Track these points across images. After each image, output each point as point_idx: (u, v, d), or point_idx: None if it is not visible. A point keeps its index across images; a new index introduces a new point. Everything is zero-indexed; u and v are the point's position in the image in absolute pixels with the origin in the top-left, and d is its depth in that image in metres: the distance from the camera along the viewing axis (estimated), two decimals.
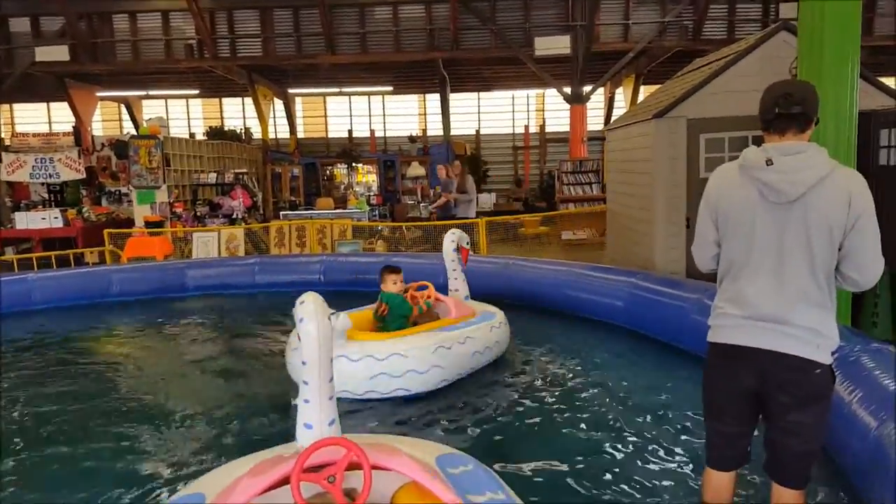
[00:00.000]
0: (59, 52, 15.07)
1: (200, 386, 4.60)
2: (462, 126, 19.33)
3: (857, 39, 4.33)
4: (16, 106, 20.57)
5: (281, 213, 13.59)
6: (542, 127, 19.01)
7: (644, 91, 17.19)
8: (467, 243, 5.09)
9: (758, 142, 5.81)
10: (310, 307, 2.31)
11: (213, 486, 2.05)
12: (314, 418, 2.31)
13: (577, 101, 14.99)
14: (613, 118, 17.54)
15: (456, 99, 18.65)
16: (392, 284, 4.45)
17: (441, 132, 18.35)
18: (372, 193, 16.61)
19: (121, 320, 6.70)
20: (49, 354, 5.43)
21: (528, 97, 19.59)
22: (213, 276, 7.79)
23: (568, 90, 15.01)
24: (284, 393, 4.20)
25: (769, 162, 2.06)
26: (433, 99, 19.14)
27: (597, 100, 16.64)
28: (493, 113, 19.87)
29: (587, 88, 14.99)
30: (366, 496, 1.84)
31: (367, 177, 17.27)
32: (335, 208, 13.75)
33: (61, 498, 3.03)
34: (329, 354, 2.36)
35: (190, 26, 15.69)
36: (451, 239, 5.03)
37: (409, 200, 16.64)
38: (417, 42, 15.80)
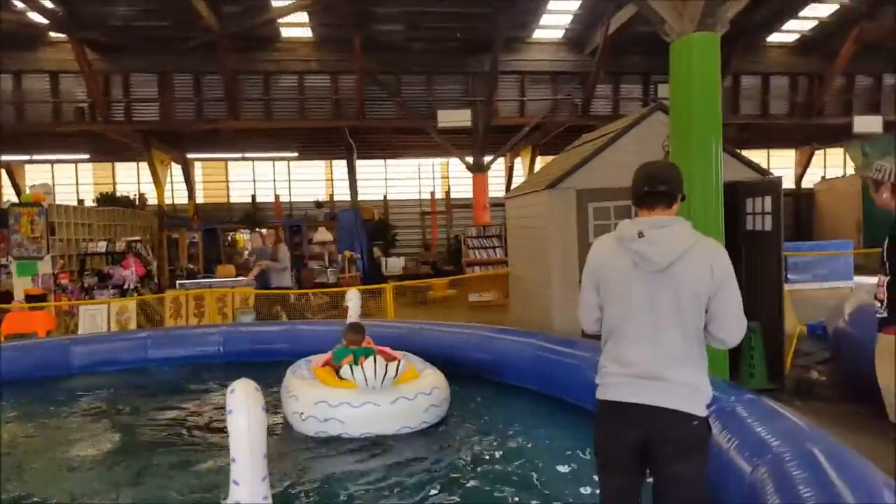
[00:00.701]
0: None
1: (91, 481, 4.15)
2: (370, 191, 19.57)
3: (718, 120, 4.94)
4: None
5: (177, 282, 12.97)
6: (448, 193, 19.61)
7: (540, 160, 18.28)
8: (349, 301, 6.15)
9: None
10: (240, 397, 2.10)
11: None
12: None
13: (478, 170, 15.71)
14: (514, 185, 18.48)
15: (363, 165, 18.94)
16: (365, 341, 5.34)
17: (348, 197, 18.47)
18: None
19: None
20: None
21: (433, 165, 20.23)
22: (100, 351, 7.24)
23: (470, 160, 15.71)
24: (192, 482, 3.96)
25: (641, 234, 2.28)
26: (340, 165, 19.33)
27: (498, 168, 17.51)
28: (401, 179, 20.30)
29: (488, 158, 15.78)
30: None
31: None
32: (237, 275, 13.31)
33: None
34: (262, 450, 2.16)
35: (81, 89, 15.09)
36: (358, 298, 6.05)
37: (315, 265, 16.45)
38: (323, 110, 16.05)
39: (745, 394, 3.44)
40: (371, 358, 4.66)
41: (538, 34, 16.10)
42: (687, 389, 2.23)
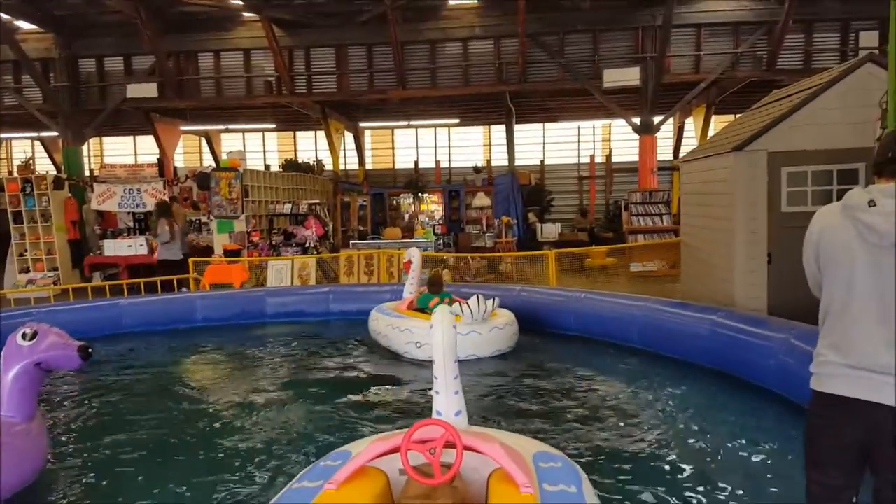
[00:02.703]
0: (149, 90, 16.17)
1: (296, 411, 4.75)
2: (527, 156, 19.40)
3: None
4: (105, 139, 22.10)
5: (350, 241, 13.96)
6: (609, 157, 18.83)
7: (716, 120, 16.80)
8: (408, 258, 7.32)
9: (843, 176, 5.59)
10: (438, 317, 2.77)
11: (356, 447, 2.55)
12: (443, 407, 2.75)
13: (646, 131, 14.80)
14: (683, 148, 17.22)
15: (521, 130, 18.77)
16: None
17: (505, 162, 18.48)
18: (436, 223, 16.85)
19: (206, 345, 7.02)
20: (137, 378, 5.74)
21: (594, 127, 19.49)
22: (290, 303, 8.09)
23: (637, 120, 14.85)
24: (367, 415, 4.46)
25: (872, 203, 2.02)
26: (498, 130, 19.33)
27: (666, 129, 16.39)
28: (559, 143, 19.85)
29: (657, 119, 14.79)
30: (456, 468, 2.16)
31: (432, 206, 17.53)
32: (402, 237, 14.01)
33: None
34: (453, 357, 2.76)
35: (270, 64, 16.54)
36: (419, 255, 7.29)
37: (473, 230, 16.79)
38: (485, 75, 16.08)
39: None
40: (476, 296, 5.89)
41: None
42: None
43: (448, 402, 2.75)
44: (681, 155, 15.58)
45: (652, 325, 5.93)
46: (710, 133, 15.95)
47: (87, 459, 3.89)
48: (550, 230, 16.34)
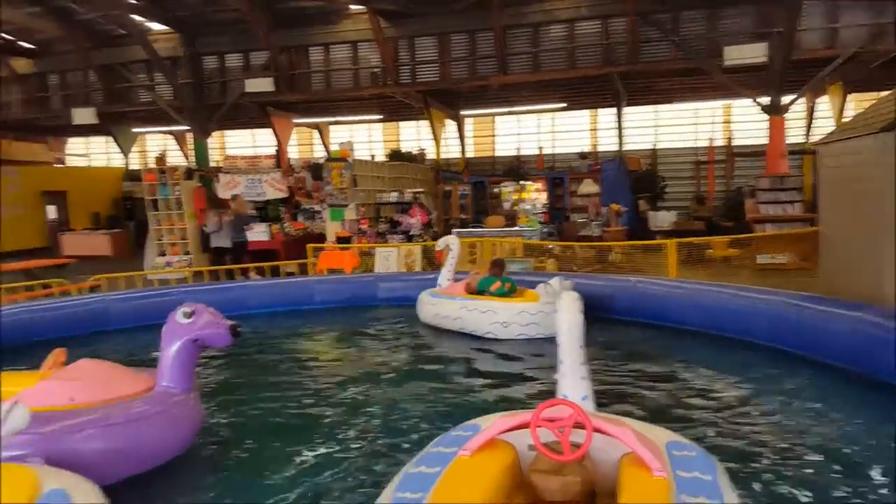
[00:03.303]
0: (265, 84, 17.03)
1: (415, 388, 4.93)
2: (637, 140, 18.60)
3: None
4: (226, 132, 23.64)
5: (452, 230, 14.04)
6: (729, 140, 17.63)
7: (852, 100, 15.26)
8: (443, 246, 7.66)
9: None
10: (564, 303, 2.89)
11: (484, 422, 2.60)
12: (569, 391, 2.82)
13: (775, 112, 13.62)
14: (814, 130, 15.79)
15: (630, 113, 18.00)
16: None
17: (613, 147, 17.82)
18: (539, 211, 16.54)
19: (325, 326, 7.39)
20: (267, 356, 6.08)
21: (712, 109, 18.31)
22: (398, 288, 8.31)
23: (765, 100, 13.73)
24: (483, 394, 4.65)
25: None
26: (605, 114, 18.67)
27: (795, 110, 15.08)
28: (672, 126, 18.84)
29: (786, 99, 13.60)
30: (586, 447, 2.18)
31: (533, 194, 17.23)
32: (504, 226, 13.88)
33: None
34: (578, 342, 2.79)
35: (376, 55, 16.90)
36: (458, 244, 7.54)
37: (578, 218, 16.29)
38: (592, 57, 15.52)
39: None
40: (557, 278, 6.00)
41: None
42: None
43: (575, 386, 2.80)
44: (812, 138, 14.30)
45: (787, 320, 5.47)
46: (848, 114, 14.49)
47: (233, 427, 4.20)
48: (664, 218, 15.58)
